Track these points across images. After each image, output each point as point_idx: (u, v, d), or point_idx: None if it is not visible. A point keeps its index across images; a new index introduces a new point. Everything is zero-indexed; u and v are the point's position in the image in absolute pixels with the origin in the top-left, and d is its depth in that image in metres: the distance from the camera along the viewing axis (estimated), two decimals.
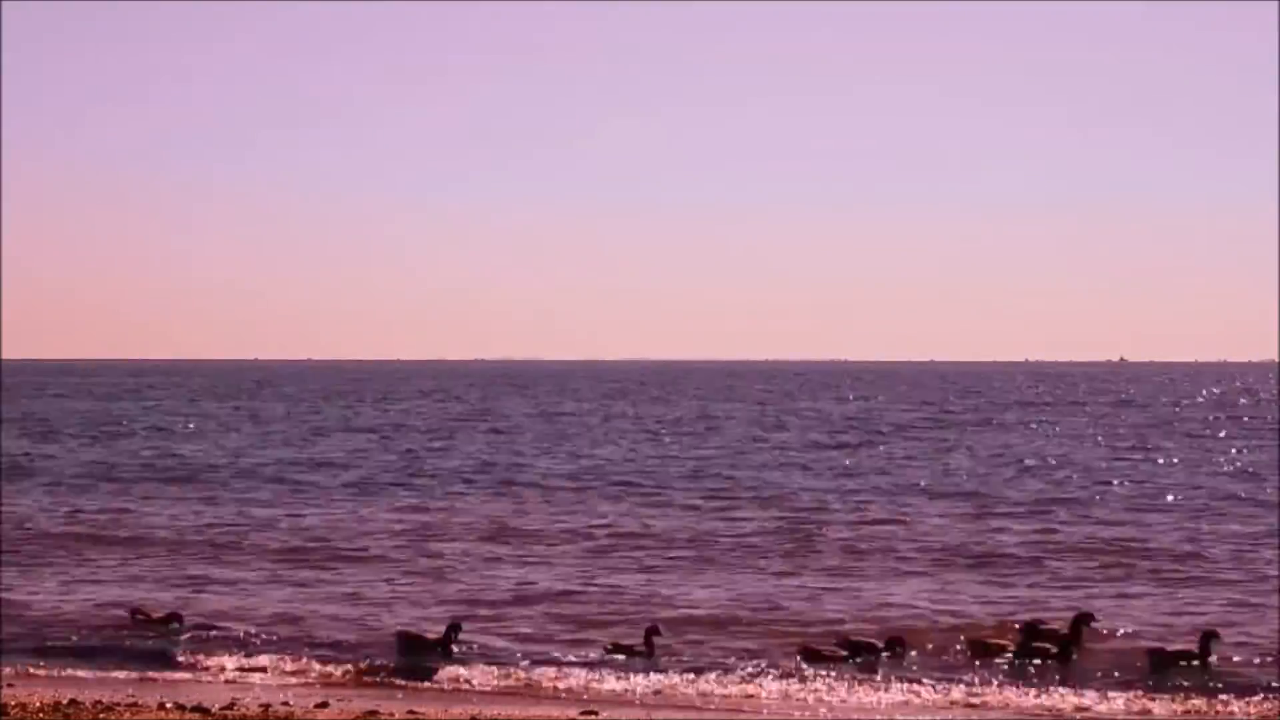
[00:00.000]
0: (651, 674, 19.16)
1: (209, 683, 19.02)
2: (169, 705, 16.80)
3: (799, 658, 19.88)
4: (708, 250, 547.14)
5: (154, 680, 19.07)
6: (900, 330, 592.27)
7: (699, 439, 64.28)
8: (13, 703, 16.49)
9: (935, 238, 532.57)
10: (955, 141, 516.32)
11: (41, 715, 16.12)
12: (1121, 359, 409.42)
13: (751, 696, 18.35)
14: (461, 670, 19.47)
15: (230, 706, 16.72)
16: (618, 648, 20.33)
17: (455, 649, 20.30)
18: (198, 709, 16.48)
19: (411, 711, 16.68)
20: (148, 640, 21.09)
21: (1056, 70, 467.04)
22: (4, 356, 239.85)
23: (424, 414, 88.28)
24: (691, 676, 19.05)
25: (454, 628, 20.67)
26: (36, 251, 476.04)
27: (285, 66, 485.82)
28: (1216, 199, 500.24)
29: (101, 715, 16.18)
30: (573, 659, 19.96)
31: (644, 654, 20.05)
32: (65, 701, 16.72)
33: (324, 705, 17.07)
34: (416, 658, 20.04)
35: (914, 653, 20.14)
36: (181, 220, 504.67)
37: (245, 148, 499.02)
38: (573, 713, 16.99)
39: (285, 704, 17.07)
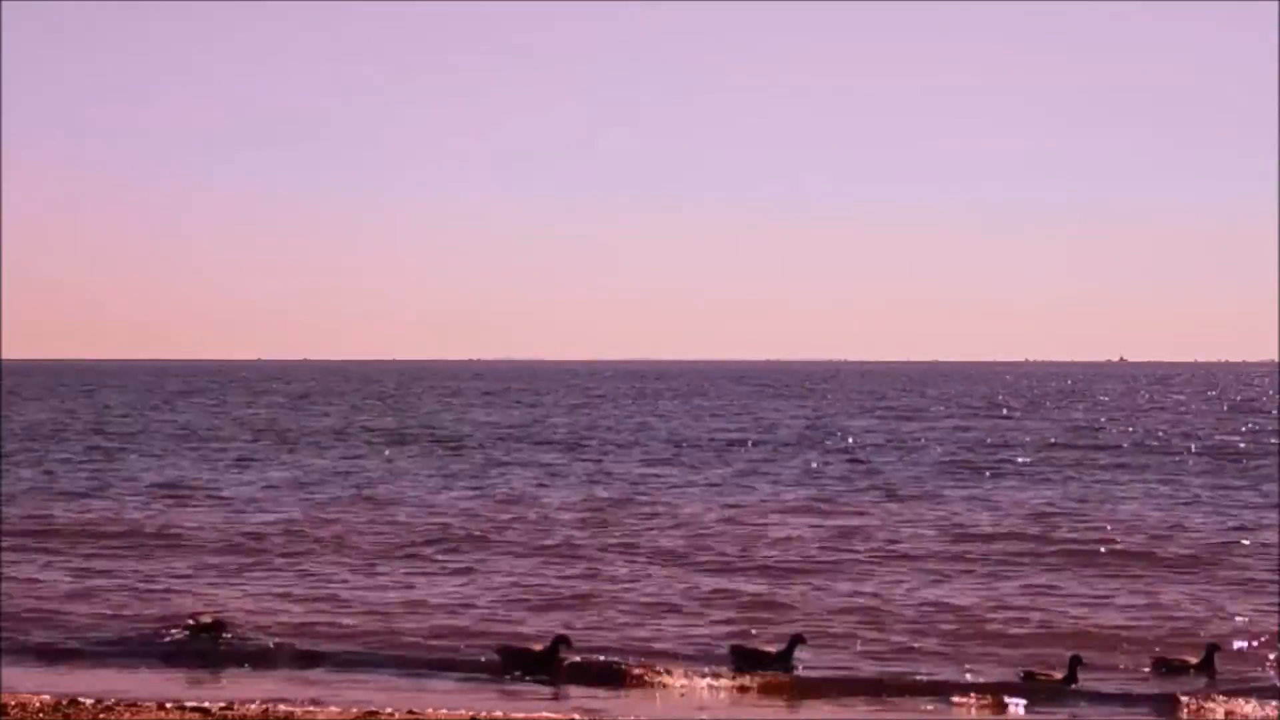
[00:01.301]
0: None
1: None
2: (169, 705, 16.77)
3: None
4: (709, 250, 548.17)
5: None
6: (900, 330, 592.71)
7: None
8: (13, 703, 16.47)
9: (935, 238, 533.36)
10: (955, 141, 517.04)
11: (41, 715, 16.10)
12: (1121, 359, 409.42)
13: None
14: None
15: (230, 706, 16.69)
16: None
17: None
18: (198, 709, 16.47)
19: (411, 712, 16.65)
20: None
21: (1056, 70, 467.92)
22: (4, 357, 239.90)
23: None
24: None
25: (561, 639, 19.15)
26: (36, 251, 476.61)
27: (285, 67, 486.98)
28: (1216, 199, 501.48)
29: (101, 715, 16.17)
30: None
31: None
32: (65, 701, 16.68)
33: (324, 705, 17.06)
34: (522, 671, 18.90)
35: None
36: (181, 220, 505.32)
37: (245, 148, 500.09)
38: (574, 714, 16.96)
39: (285, 703, 17.05)
